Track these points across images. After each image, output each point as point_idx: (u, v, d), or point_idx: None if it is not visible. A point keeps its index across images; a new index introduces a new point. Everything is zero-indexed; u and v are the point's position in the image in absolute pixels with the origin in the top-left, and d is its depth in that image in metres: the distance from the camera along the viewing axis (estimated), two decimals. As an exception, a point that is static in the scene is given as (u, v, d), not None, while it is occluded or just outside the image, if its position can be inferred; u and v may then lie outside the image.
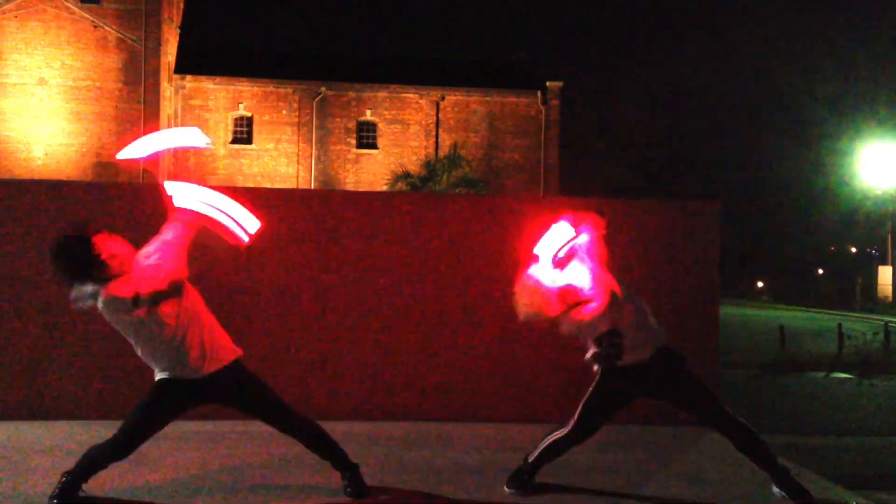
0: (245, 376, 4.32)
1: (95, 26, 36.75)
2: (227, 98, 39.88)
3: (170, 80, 39.02)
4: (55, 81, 36.49)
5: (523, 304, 4.36)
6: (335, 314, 6.55)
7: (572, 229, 4.41)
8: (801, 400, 10.87)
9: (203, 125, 39.31)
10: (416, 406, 6.54)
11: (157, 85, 37.24)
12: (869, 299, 41.94)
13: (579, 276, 4.39)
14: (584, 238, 4.43)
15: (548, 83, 41.42)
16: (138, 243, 4.23)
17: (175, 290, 4.05)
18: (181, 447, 5.42)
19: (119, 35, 36.92)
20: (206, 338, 4.17)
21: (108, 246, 4.04)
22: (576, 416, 4.59)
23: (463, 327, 6.62)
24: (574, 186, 45.05)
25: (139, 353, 4.19)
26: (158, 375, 4.21)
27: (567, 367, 6.58)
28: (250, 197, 4.60)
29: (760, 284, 61.58)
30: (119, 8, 36.96)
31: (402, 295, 6.60)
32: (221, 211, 4.17)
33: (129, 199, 6.54)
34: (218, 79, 39.78)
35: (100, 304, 4.00)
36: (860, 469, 6.69)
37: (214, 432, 5.85)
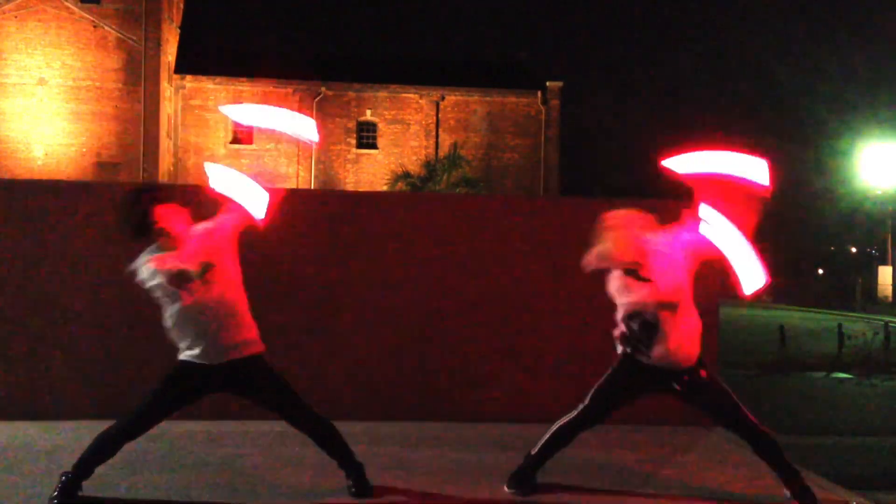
0: (264, 372, 4.35)
1: (95, 26, 36.75)
2: (227, 98, 39.87)
3: (170, 80, 39.02)
4: (55, 81, 36.50)
5: (608, 235, 4.37)
6: (349, 313, 6.55)
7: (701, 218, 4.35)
8: (801, 400, 10.87)
9: (203, 125, 39.40)
10: (416, 406, 6.54)
11: (157, 85, 37.24)
12: (869, 299, 41.92)
13: (663, 258, 4.37)
14: (698, 231, 4.36)
15: (548, 83, 41.43)
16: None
17: (202, 272, 4.07)
18: (181, 447, 5.42)
19: (119, 35, 36.92)
20: (232, 325, 4.22)
21: (166, 217, 4.16)
22: (586, 400, 4.58)
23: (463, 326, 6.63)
24: (574, 186, 45.06)
25: (169, 325, 4.26)
26: (181, 356, 4.27)
27: (568, 367, 6.58)
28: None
29: (760, 284, 61.34)
30: (119, 8, 36.97)
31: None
32: (241, 191, 4.25)
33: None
34: (218, 79, 39.79)
35: (143, 273, 4.10)
36: (860, 469, 6.69)
37: (214, 432, 5.85)
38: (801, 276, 58.72)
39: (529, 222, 6.75)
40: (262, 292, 6.30)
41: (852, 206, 46.08)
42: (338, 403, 6.40)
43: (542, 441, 4.62)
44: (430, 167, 37.60)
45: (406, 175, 36.68)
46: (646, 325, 4.40)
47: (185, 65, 40.05)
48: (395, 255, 6.62)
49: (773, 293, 53.60)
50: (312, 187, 37.70)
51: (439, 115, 41.13)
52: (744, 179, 4.31)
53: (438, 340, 6.60)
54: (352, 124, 40.85)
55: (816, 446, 7.27)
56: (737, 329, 21.13)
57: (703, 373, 4.51)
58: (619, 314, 4.53)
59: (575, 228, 6.40)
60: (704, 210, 4.35)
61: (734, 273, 4.29)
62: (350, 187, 38.94)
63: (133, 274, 4.17)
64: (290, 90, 40.39)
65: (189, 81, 39.72)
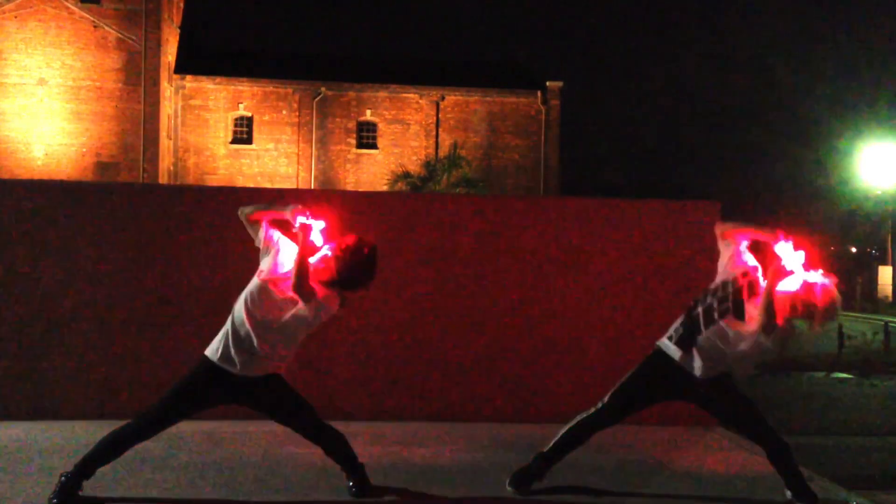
0: (285, 390, 4.35)
1: (95, 26, 36.75)
2: (227, 98, 39.88)
3: (170, 80, 39.02)
4: (55, 81, 36.50)
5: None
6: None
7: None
8: (801, 400, 10.87)
9: (203, 125, 39.40)
10: (416, 406, 6.54)
11: (157, 85, 37.25)
12: (869, 299, 41.89)
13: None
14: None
15: (548, 83, 41.43)
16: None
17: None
18: (181, 447, 5.42)
19: (119, 35, 36.92)
20: (278, 345, 4.20)
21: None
22: (606, 398, 4.56)
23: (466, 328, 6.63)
24: (574, 186, 45.07)
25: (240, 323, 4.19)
26: (208, 352, 4.24)
27: (570, 368, 6.59)
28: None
29: (760, 284, 61.43)
30: (119, 8, 36.98)
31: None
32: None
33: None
34: (218, 79, 39.80)
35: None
36: (860, 469, 6.69)
37: (214, 432, 5.85)
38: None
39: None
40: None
41: (852, 206, 46.06)
42: (338, 403, 6.41)
43: (558, 438, 4.61)
44: (430, 167, 37.61)
45: (406, 175, 36.68)
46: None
47: (185, 65, 40.05)
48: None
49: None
50: (312, 187, 37.68)
51: (439, 115, 41.13)
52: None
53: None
54: (352, 124, 40.85)
55: (816, 446, 7.28)
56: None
57: (723, 379, 4.49)
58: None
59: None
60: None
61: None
62: (350, 187, 38.95)
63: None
64: (290, 90, 40.40)
65: (189, 81, 39.71)
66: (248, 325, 4.14)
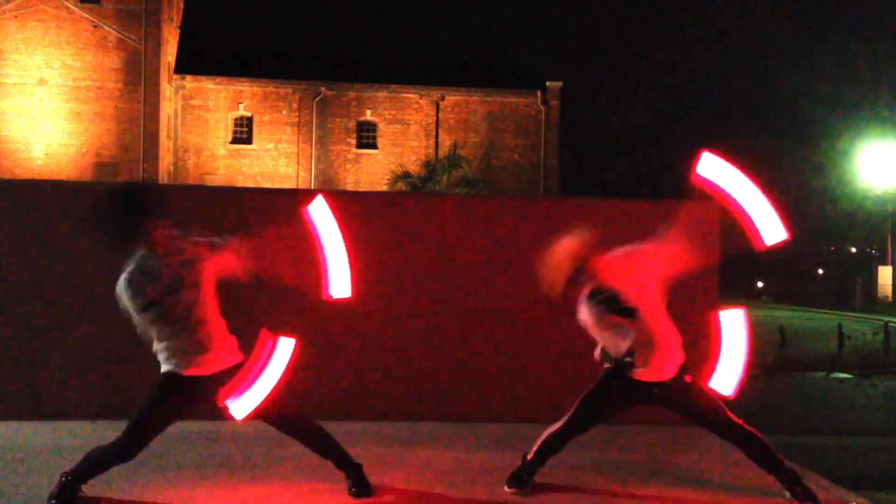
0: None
1: (95, 26, 36.75)
2: (227, 98, 39.88)
3: (170, 80, 39.03)
4: (55, 81, 36.50)
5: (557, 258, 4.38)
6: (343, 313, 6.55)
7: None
8: (801, 400, 10.87)
9: (203, 125, 39.40)
10: (416, 406, 6.54)
11: (157, 85, 37.25)
12: (869, 299, 41.92)
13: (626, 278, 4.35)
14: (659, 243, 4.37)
15: (548, 83, 41.43)
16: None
17: (175, 288, 4.06)
18: (181, 447, 5.42)
19: (119, 35, 36.92)
20: (215, 338, 4.21)
21: (152, 224, 4.13)
22: (572, 409, 4.60)
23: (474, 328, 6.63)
24: (574, 186, 45.07)
25: (149, 333, 4.27)
26: (164, 367, 4.24)
27: (570, 368, 6.58)
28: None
29: (760, 284, 61.60)
30: (119, 8, 36.97)
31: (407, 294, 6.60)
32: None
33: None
34: (218, 79, 39.80)
35: (131, 284, 4.13)
36: (860, 469, 6.69)
37: (214, 432, 5.85)
38: (801, 276, 58.75)
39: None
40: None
41: (852, 206, 46.07)
42: (339, 403, 6.41)
43: (535, 448, 4.66)
44: (430, 167, 37.60)
45: (406, 175, 36.68)
46: (627, 349, 4.39)
47: (185, 65, 40.05)
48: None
49: (773, 293, 53.59)
50: (312, 188, 37.69)
51: (439, 115, 41.13)
52: (752, 224, 4.24)
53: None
54: (352, 124, 40.85)
55: (816, 446, 7.27)
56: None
57: (687, 378, 4.50)
58: (601, 333, 4.52)
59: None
60: (714, 161, 4.29)
61: (753, 226, 4.20)
62: (350, 187, 38.95)
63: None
64: (290, 90, 40.40)
65: (189, 81, 39.71)
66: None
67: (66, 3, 36.53)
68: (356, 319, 6.54)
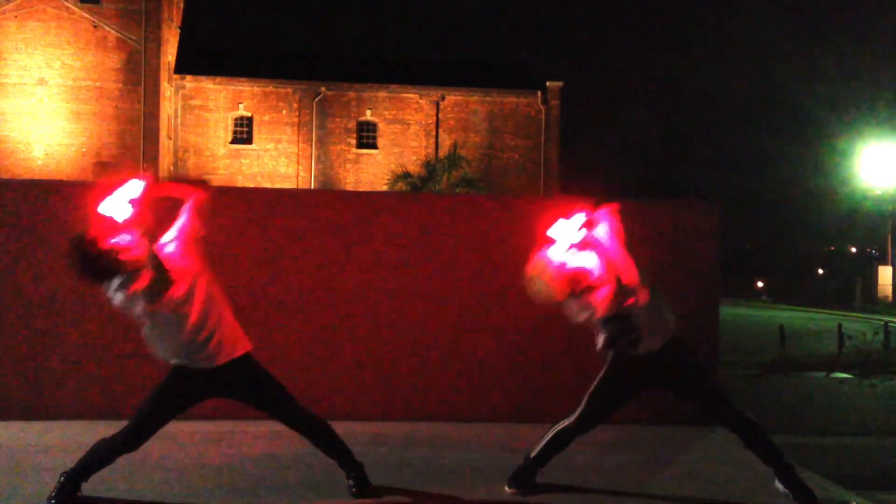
0: (257, 371, 4.35)
1: (95, 26, 36.75)
2: (227, 98, 39.88)
3: (170, 80, 39.03)
4: (55, 81, 36.50)
5: (534, 284, 4.37)
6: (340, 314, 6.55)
7: (585, 215, 4.42)
8: (801, 400, 10.85)
9: (203, 125, 39.41)
10: (416, 406, 6.54)
11: (157, 85, 37.24)
12: (869, 299, 41.91)
13: (589, 259, 4.40)
14: (600, 225, 4.43)
15: (548, 83, 41.43)
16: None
17: (170, 278, 4.05)
18: (181, 447, 5.42)
19: (119, 35, 36.92)
20: (218, 328, 4.20)
21: (114, 243, 3.98)
22: (582, 405, 4.60)
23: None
24: (574, 186, 45.07)
25: (149, 338, 4.24)
26: (173, 361, 4.24)
27: (568, 367, 6.58)
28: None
29: (760, 284, 61.65)
30: (119, 8, 36.97)
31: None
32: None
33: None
34: (218, 79, 39.79)
35: (120, 300, 4.02)
36: (860, 469, 6.68)
37: (214, 432, 5.85)
38: (801, 276, 58.74)
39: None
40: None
41: (852, 206, 46.07)
42: (339, 403, 6.41)
43: (540, 446, 4.65)
44: (430, 167, 37.60)
45: (406, 175, 36.68)
46: (620, 319, 4.42)
47: (185, 65, 40.05)
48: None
49: (773, 293, 53.61)
50: (312, 187, 37.70)
51: (439, 115, 41.13)
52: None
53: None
54: (352, 124, 40.84)
55: (816, 446, 7.26)
56: (737, 329, 21.14)
57: (690, 360, 4.57)
58: (594, 327, 4.55)
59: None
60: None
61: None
62: (350, 187, 38.95)
63: (117, 303, 4.08)
64: (290, 90, 40.39)
65: (189, 81, 39.71)
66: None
67: (66, 3, 36.52)
68: (356, 319, 6.54)
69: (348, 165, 40.75)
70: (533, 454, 4.65)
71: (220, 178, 38.69)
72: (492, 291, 6.62)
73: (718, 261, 6.89)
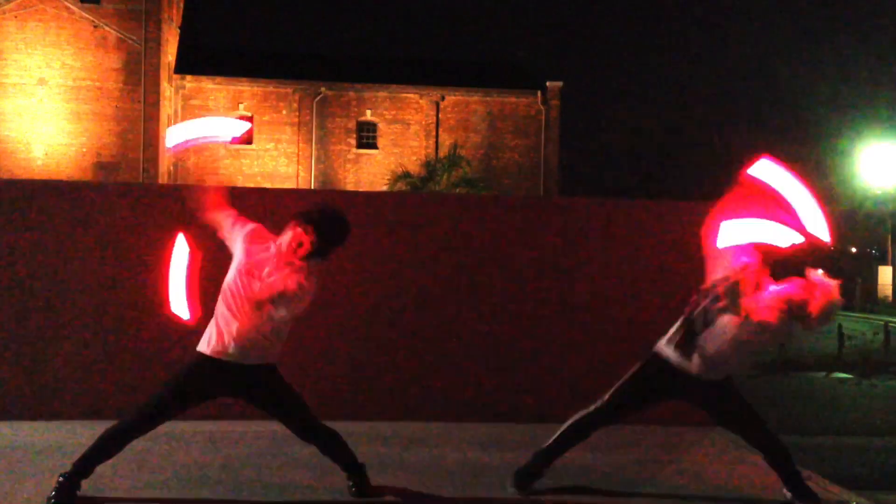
0: (280, 381, 4.36)
1: (95, 26, 36.74)
2: (227, 98, 39.87)
3: (170, 80, 39.02)
4: (55, 81, 36.48)
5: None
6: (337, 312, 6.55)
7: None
8: (801, 400, 10.86)
9: (203, 125, 39.33)
10: (416, 406, 6.54)
11: (157, 85, 37.23)
12: (869, 299, 41.90)
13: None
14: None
15: (548, 83, 41.42)
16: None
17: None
18: (181, 447, 5.42)
19: (119, 35, 36.91)
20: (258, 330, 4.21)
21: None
22: (606, 396, 4.58)
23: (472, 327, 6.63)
24: (574, 186, 45.08)
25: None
26: (200, 347, 4.25)
27: (571, 367, 6.59)
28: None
29: (760, 284, 61.60)
30: (119, 8, 36.95)
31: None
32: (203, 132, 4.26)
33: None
34: (218, 79, 39.78)
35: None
36: (860, 469, 6.69)
37: (214, 432, 5.85)
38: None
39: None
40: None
41: (852, 206, 46.07)
42: (339, 403, 6.41)
43: (556, 435, 4.62)
44: (430, 167, 37.59)
45: (406, 175, 36.67)
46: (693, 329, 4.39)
47: (185, 65, 40.04)
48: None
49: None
50: (312, 187, 37.70)
51: (439, 115, 41.12)
52: (803, 227, 4.35)
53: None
54: (352, 124, 40.83)
55: (816, 446, 7.27)
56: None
57: (726, 383, 4.51)
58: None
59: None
60: (769, 166, 4.37)
61: (807, 227, 4.32)
62: (350, 187, 38.94)
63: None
64: (290, 90, 40.38)
65: (189, 81, 39.70)
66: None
67: (66, 3, 36.51)
68: (356, 320, 6.54)
69: (348, 165, 40.75)
70: (546, 444, 4.63)
71: (220, 178, 38.70)
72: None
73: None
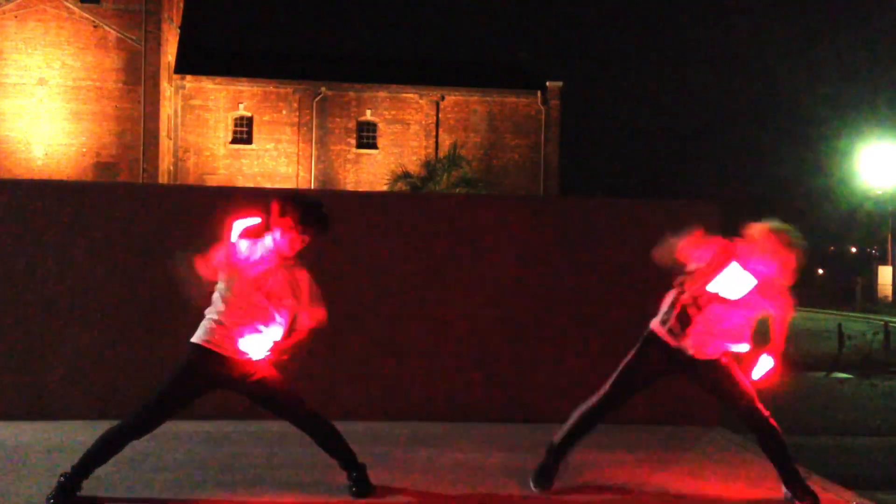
0: (273, 373, 4.39)
1: (95, 26, 36.75)
2: (227, 98, 39.88)
3: (170, 80, 39.02)
4: (55, 81, 36.50)
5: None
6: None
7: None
8: (801, 400, 10.87)
9: (203, 125, 39.41)
10: (416, 406, 6.54)
11: (157, 85, 37.25)
12: (869, 299, 41.91)
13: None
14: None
15: (548, 83, 41.43)
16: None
17: None
18: (181, 447, 5.42)
19: (119, 35, 36.92)
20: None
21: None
22: (608, 384, 4.64)
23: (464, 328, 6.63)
24: (574, 186, 45.09)
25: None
26: (196, 339, 4.30)
27: (571, 367, 6.58)
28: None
29: (760, 284, 61.63)
30: (119, 8, 36.97)
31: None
32: None
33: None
34: (218, 79, 39.80)
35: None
36: (860, 469, 6.69)
37: (214, 432, 5.85)
38: (801, 276, 58.67)
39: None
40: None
41: (852, 206, 46.09)
42: (338, 403, 6.40)
43: (566, 429, 4.66)
44: (430, 167, 37.61)
45: (406, 175, 36.68)
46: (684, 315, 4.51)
47: (185, 65, 40.05)
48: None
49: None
50: (312, 187, 37.70)
51: (439, 115, 41.13)
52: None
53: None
54: (352, 124, 40.85)
55: (816, 446, 7.27)
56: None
57: (723, 360, 4.58)
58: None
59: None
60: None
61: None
62: (350, 187, 38.95)
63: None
64: (290, 90, 40.40)
65: (189, 81, 39.71)
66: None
67: (66, 3, 36.52)
68: (356, 320, 6.54)
69: (348, 165, 40.77)
70: (557, 440, 4.66)
71: (219, 178, 38.72)
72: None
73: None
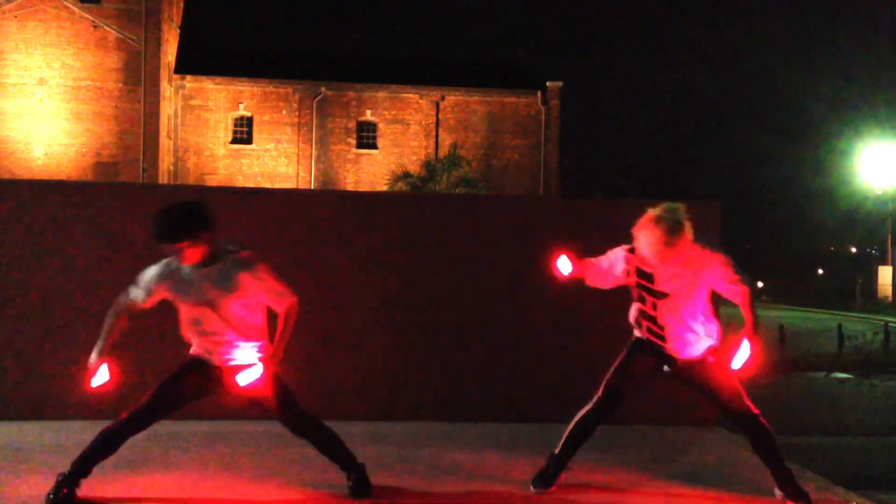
0: (267, 385, 4.36)
1: (95, 26, 36.76)
2: (227, 98, 39.89)
3: (170, 80, 39.03)
4: (55, 81, 36.51)
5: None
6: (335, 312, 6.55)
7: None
8: (801, 400, 10.87)
9: (203, 125, 39.42)
10: (416, 406, 6.54)
11: (157, 85, 37.25)
12: (869, 299, 41.95)
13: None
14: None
15: (548, 83, 41.44)
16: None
17: None
18: (181, 447, 5.42)
19: (119, 35, 36.93)
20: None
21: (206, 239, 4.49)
22: (600, 390, 4.65)
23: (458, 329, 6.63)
24: (574, 186, 45.07)
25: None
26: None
27: (570, 367, 6.58)
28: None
29: (760, 284, 61.72)
30: (119, 8, 36.99)
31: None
32: None
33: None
34: (218, 79, 39.81)
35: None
36: (860, 469, 6.69)
37: (214, 432, 5.85)
38: (801, 276, 58.76)
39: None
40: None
41: (852, 206, 46.12)
42: (339, 403, 6.41)
43: (564, 438, 4.67)
44: (430, 167, 37.62)
45: (406, 175, 36.69)
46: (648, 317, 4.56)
47: (185, 65, 40.07)
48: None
49: (773, 293, 53.58)
50: (312, 187, 37.71)
51: (439, 115, 41.14)
52: None
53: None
54: (352, 124, 40.86)
55: (816, 446, 7.27)
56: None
57: (709, 359, 4.58)
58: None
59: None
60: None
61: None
62: (350, 187, 38.97)
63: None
64: (290, 90, 40.41)
65: (189, 81, 39.73)
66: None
67: (66, 3, 36.54)
68: (357, 320, 6.54)
69: (348, 165, 40.78)
70: (557, 451, 4.67)
71: (219, 178, 38.73)
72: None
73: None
